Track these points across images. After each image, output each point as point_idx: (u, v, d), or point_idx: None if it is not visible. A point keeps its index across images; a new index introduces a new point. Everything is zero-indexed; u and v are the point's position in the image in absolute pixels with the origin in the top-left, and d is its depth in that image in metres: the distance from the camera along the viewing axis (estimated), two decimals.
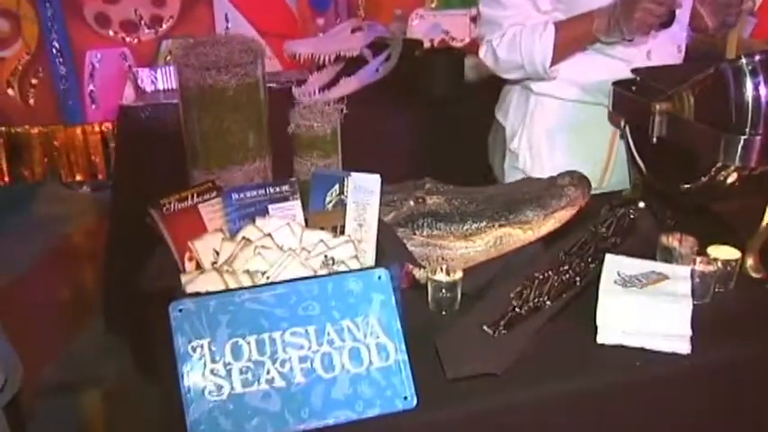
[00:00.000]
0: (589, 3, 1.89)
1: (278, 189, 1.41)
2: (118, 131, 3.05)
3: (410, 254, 1.46)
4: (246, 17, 4.08)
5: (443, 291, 1.48)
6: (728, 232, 1.69)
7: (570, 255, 1.59)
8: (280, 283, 1.27)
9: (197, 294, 1.26)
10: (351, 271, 1.31)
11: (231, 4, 4.11)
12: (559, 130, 2.09)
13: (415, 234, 1.55)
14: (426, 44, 3.26)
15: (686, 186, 1.69)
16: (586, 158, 2.05)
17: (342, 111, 1.59)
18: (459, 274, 1.50)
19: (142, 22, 4.17)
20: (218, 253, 1.35)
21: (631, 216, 1.73)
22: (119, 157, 2.90)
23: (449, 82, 2.87)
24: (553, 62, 1.95)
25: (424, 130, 2.82)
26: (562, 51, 1.95)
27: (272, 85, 2.97)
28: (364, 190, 1.40)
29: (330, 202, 1.43)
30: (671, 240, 1.60)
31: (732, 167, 1.57)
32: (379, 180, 1.41)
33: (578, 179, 1.56)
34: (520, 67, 1.99)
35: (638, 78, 1.84)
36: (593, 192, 2.03)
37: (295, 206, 1.42)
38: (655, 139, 1.68)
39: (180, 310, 1.23)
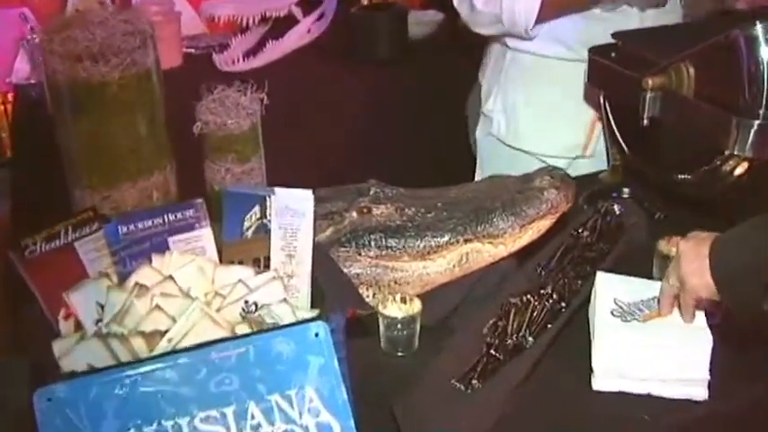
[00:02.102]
0: None
1: (180, 215, 1.08)
2: (12, 113, 2.65)
3: (356, 292, 1.16)
4: None
5: (399, 327, 1.19)
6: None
7: (550, 270, 1.31)
8: (183, 350, 0.96)
9: (72, 375, 0.94)
10: (277, 328, 0.99)
11: None
12: (537, 89, 1.82)
13: (360, 254, 1.25)
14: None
15: (682, 177, 1.41)
16: (568, 122, 1.81)
17: (263, 101, 1.26)
18: (417, 307, 1.20)
19: None
20: (102, 307, 1.03)
21: (617, 212, 1.45)
22: (15, 147, 2.50)
23: (391, 41, 2.53)
24: (537, 21, 1.66)
25: (366, 96, 2.48)
26: (549, 10, 1.65)
27: (191, 50, 2.61)
28: (293, 211, 1.09)
29: (249, 228, 1.11)
30: (670, 247, 1.32)
31: (742, 157, 1.29)
32: (312, 198, 1.09)
33: (560, 179, 1.26)
34: (497, 21, 1.69)
35: (620, 44, 1.54)
36: (572, 162, 1.82)
37: (203, 236, 1.10)
38: (646, 121, 1.39)
39: (49, 400, 0.91)
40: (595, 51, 1.55)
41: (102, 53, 1.07)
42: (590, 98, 1.73)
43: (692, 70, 1.33)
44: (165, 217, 1.08)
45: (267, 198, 1.09)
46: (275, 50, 2.48)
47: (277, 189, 1.09)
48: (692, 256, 1.04)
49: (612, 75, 1.49)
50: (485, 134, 1.93)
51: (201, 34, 2.69)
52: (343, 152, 2.41)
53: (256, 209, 1.10)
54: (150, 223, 1.07)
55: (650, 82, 1.36)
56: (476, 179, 1.97)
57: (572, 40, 1.71)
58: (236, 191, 1.10)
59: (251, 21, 2.41)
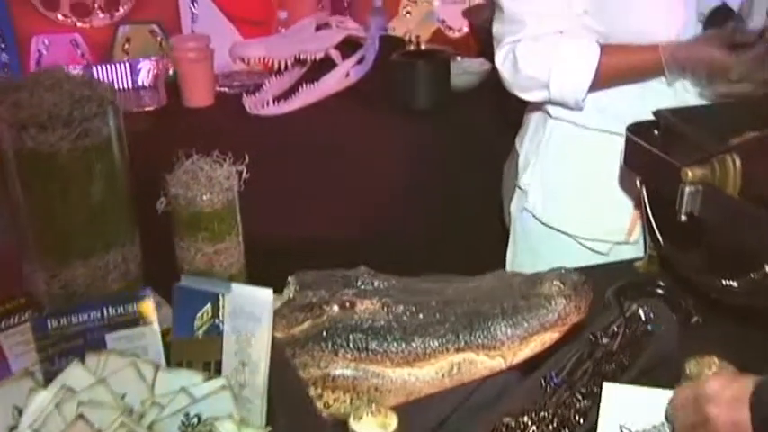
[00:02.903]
0: (632, 20, 1.49)
1: (121, 309, 0.96)
2: None
3: (314, 415, 1.01)
4: (215, 0, 3.59)
5: None
6: None
7: (557, 384, 1.13)
8: None
9: None
10: None
11: None
12: (579, 165, 1.66)
13: (338, 355, 1.10)
14: (412, 40, 2.78)
15: (726, 283, 1.22)
16: (611, 204, 1.64)
17: (242, 174, 1.13)
18: (393, 424, 1.04)
19: (95, 5, 3.69)
20: (20, 412, 0.91)
21: (644, 319, 1.27)
22: None
23: (431, 91, 2.38)
24: (589, 91, 1.53)
25: (401, 146, 2.33)
26: (605, 80, 1.52)
27: (223, 89, 2.53)
28: (248, 314, 0.95)
29: (200, 327, 0.97)
30: (701, 368, 1.13)
31: None
32: (271, 299, 0.95)
33: (573, 287, 1.09)
34: (544, 86, 1.55)
35: (662, 122, 1.37)
36: (613, 247, 1.65)
37: (148, 333, 0.97)
38: (684, 217, 1.21)
39: None
40: (634, 129, 1.38)
41: (50, 121, 0.96)
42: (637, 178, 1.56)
43: (738, 163, 1.15)
44: (105, 311, 0.95)
45: (221, 297, 0.96)
46: (310, 95, 2.36)
47: (234, 286, 0.96)
48: (724, 417, 0.86)
49: (650, 158, 1.31)
50: (519, 209, 1.76)
51: (236, 72, 2.61)
52: (371, 202, 2.28)
53: (208, 307, 0.96)
54: (86, 317, 0.95)
55: (689, 174, 1.18)
56: (508, 255, 1.83)
57: (623, 113, 1.54)
58: (186, 286, 0.97)
59: (284, 64, 2.30)
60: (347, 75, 2.44)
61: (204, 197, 1.09)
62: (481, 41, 2.85)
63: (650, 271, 1.50)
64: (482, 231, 2.12)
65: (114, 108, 1.02)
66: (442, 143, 2.31)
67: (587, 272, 1.52)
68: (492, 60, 2.53)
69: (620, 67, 1.51)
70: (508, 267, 1.82)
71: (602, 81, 1.51)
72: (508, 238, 1.84)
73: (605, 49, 1.50)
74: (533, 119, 1.73)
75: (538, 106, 1.69)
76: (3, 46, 3.52)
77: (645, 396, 1.06)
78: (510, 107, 1.84)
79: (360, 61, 2.46)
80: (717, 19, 1.47)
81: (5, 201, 1.03)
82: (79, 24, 3.65)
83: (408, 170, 2.28)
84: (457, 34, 3.58)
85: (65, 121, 0.96)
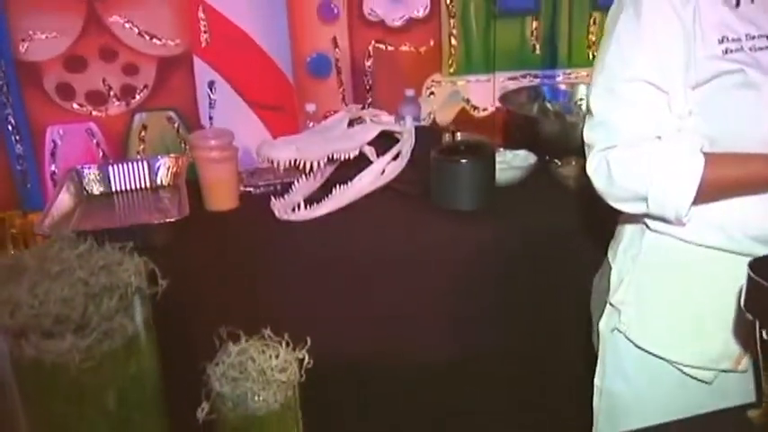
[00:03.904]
0: (745, 114, 1.31)
1: None
2: None
3: None
4: (233, 85, 3.48)
5: None
6: None
7: None
8: None
9: None
10: None
11: (215, 70, 3.52)
12: (681, 284, 1.47)
13: None
14: (446, 128, 2.60)
15: None
16: (718, 328, 1.43)
17: (303, 362, 0.92)
18: None
19: (111, 93, 3.59)
20: None
21: None
22: None
23: (474, 188, 2.17)
24: (693, 205, 1.35)
25: (446, 251, 2.09)
26: (711, 193, 1.34)
27: (249, 189, 2.35)
28: None
29: None
30: None
31: None
32: None
33: None
34: (641, 199, 1.37)
35: None
36: (718, 374, 1.43)
37: None
38: None
39: None
40: (758, 265, 1.16)
41: (58, 326, 0.75)
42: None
43: None
44: None
45: None
46: (343, 196, 2.18)
47: None
48: None
49: None
50: (610, 328, 1.57)
51: (262, 169, 2.43)
52: (415, 317, 2.05)
53: None
54: None
55: None
56: (595, 380, 1.64)
57: (734, 228, 1.37)
58: None
59: (315, 165, 2.12)
60: (382, 172, 2.25)
61: (257, 397, 0.87)
62: (515, 127, 2.69)
63: (764, 419, 1.29)
64: (556, 351, 1.91)
65: (141, 295, 0.81)
66: (494, 247, 2.08)
67: (693, 423, 1.32)
68: (532, 151, 2.36)
69: (728, 180, 1.33)
70: (596, 393, 1.64)
71: (707, 195, 1.33)
72: (595, 360, 1.65)
73: (711, 158, 1.32)
74: (628, 229, 1.56)
75: (633, 215, 1.51)
76: (17, 138, 3.44)
77: None
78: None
79: (395, 157, 2.28)
80: None
81: (5, 420, 0.82)
82: (95, 113, 3.57)
83: (454, 276, 2.06)
84: (482, 113, 3.44)
85: (77, 326, 0.76)
